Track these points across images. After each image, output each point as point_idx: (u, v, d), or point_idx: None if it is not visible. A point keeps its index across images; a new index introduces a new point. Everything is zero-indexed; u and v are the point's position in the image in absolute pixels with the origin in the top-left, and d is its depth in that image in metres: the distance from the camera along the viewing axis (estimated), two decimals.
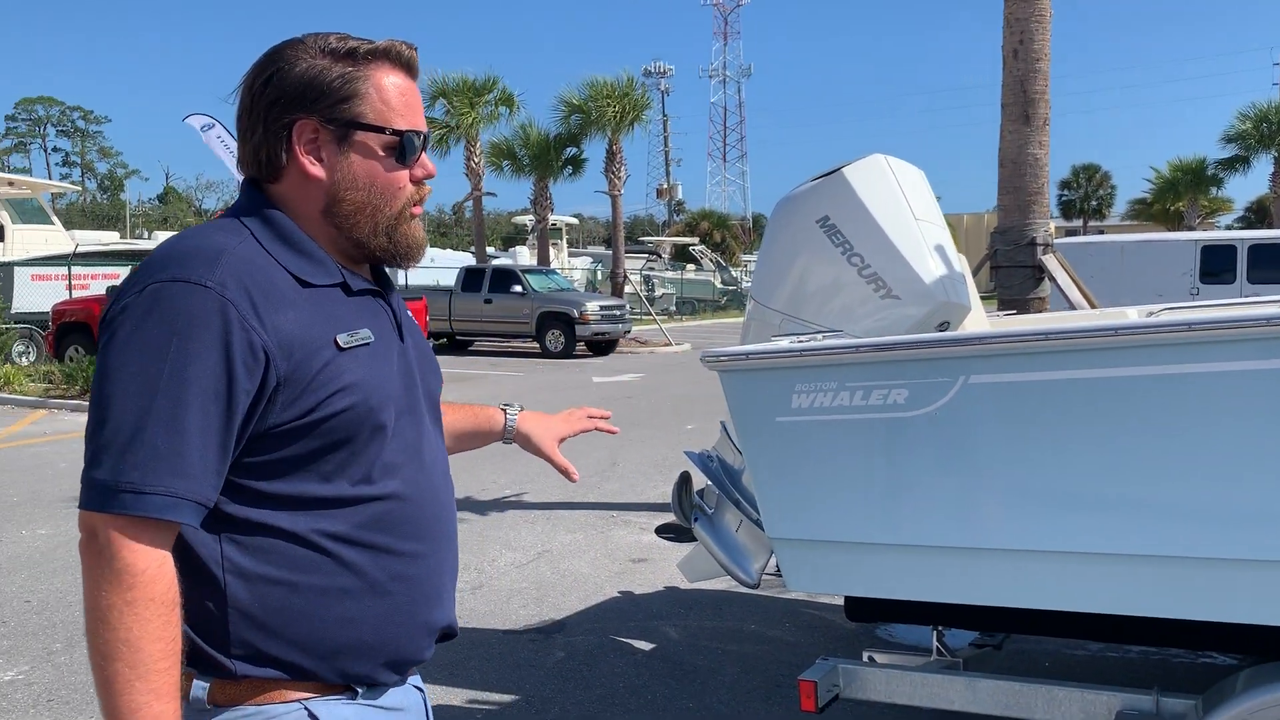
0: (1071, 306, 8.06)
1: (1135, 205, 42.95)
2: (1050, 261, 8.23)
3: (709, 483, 4.99)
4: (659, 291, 40.66)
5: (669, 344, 27.03)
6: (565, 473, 2.32)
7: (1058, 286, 8.20)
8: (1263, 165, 33.72)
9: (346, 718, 1.66)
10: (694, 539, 5.03)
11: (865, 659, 4.10)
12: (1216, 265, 15.22)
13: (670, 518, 5.80)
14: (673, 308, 40.83)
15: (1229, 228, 38.53)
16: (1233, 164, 34.71)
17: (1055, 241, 8.71)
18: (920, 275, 4.41)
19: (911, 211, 4.60)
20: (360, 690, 1.68)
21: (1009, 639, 4.64)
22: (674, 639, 5.86)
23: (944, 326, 4.57)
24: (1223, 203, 41.19)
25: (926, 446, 3.42)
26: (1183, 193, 36.05)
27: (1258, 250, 15.07)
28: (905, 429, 3.43)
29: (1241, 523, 3.02)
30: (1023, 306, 8.28)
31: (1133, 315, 5.50)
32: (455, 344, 25.95)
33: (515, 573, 7.18)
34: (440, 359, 2.14)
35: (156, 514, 1.47)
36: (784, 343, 3.91)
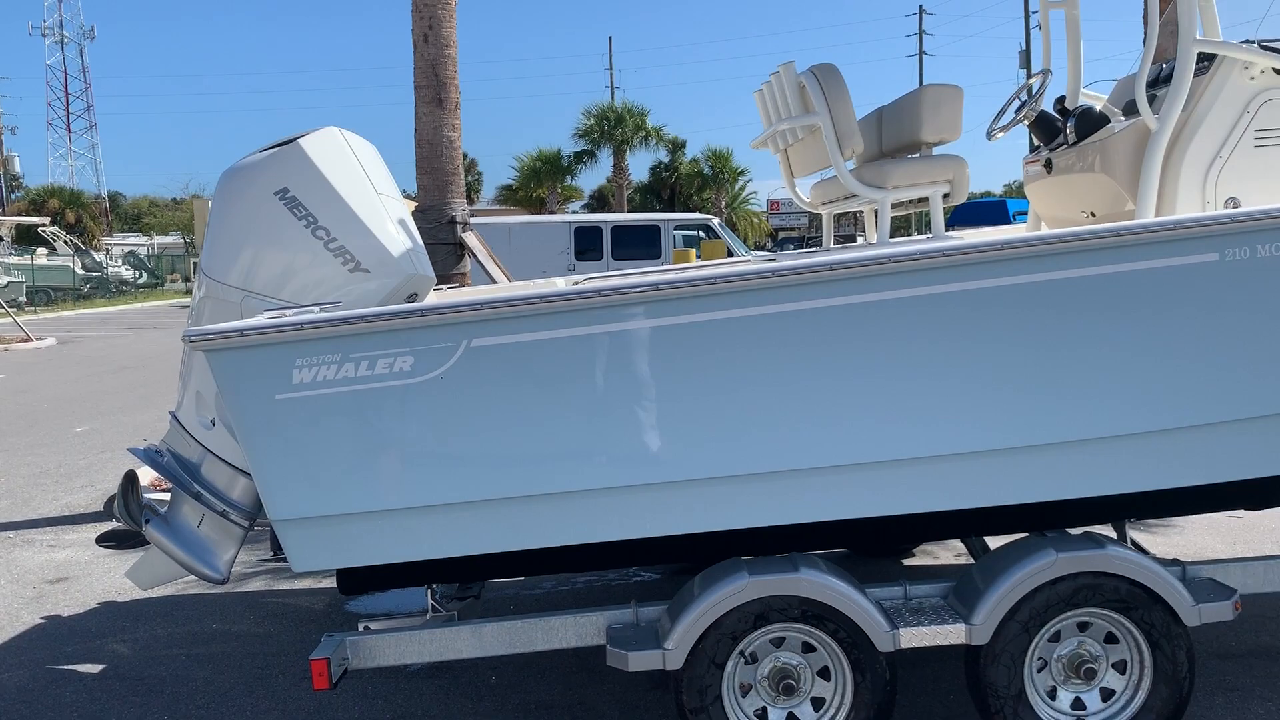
0: (492, 280, 8.69)
1: (503, 191, 46.60)
2: (470, 239, 8.76)
3: (159, 478, 4.61)
4: (5, 280, 35.11)
5: (29, 339, 23.55)
6: None
7: (478, 262, 8.77)
8: (606, 157, 38.91)
9: None
10: (145, 543, 4.61)
11: (362, 629, 4.12)
12: (587, 244, 17.33)
13: (109, 525, 5.22)
14: (24, 298, 35.54)
15: (575, 213, 43.52)
16: (582, 157, 39.47)
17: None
18: (389, 249, 4.50)
19: (373, 185, 4.67)
20: None
21: (484, 589, 4.97)
22: (126, 655, 5.29)
23: (413, 298, 4.72)
24: (574, 190, 46.46)
25: (432, 411, 3.56)
26: (544, 180, 40.06)
27: (618, 231, 17.47)
28: (411, 395, 3.53)
29: (671, 454, 3.61)
30: (446, 282, 8.72)
31: (561, 285, 6.12)
32: None
33: None
34: None
35: None
36: (262, 319, 3.77)
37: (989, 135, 5.10)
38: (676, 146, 42.47)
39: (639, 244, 17.10)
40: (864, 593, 3.73)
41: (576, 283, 6.08)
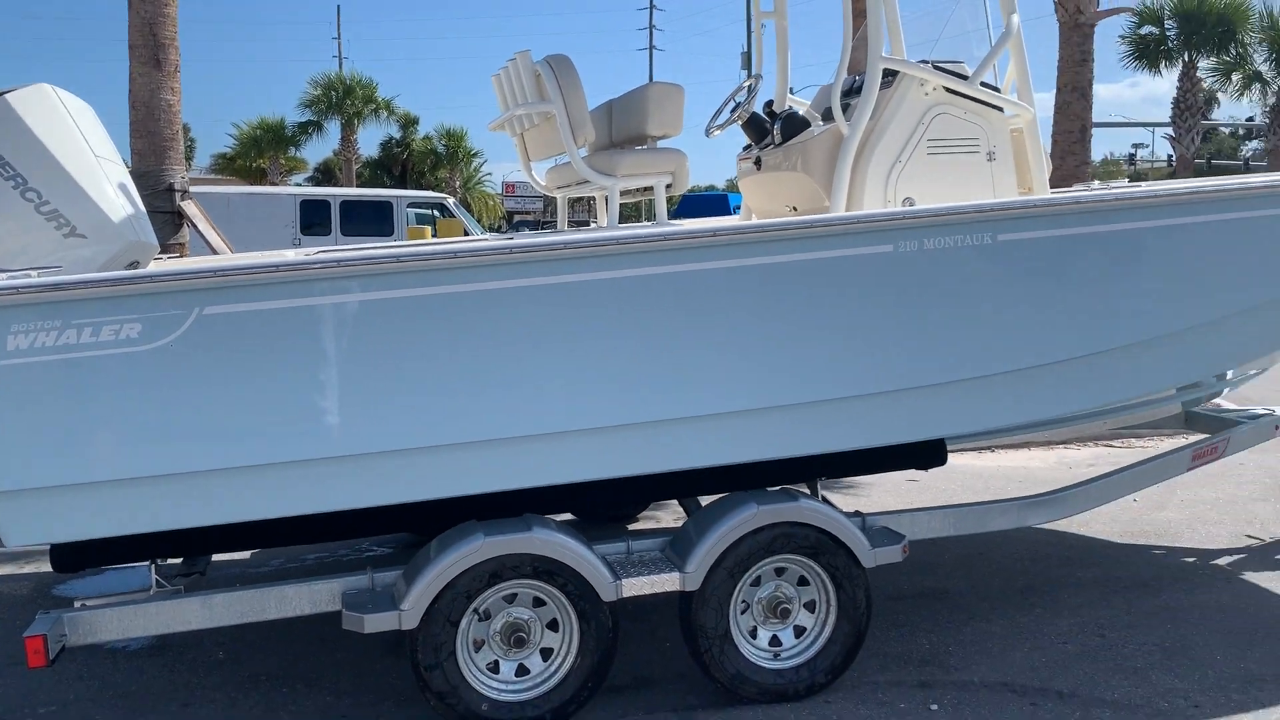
0: (214, 251, 8.36)
1: (219, 159, 43.90)
2: (189, 208, 8.38)
3: None
4: None
5: None
6: None
7: (198, 232, 8.41)
8: (334, 130, 37.58)
9: None
10: None
11: (79, 606, 3.98)
12: (314, 219, 16.77)
13: None
14: None
15: (300, 185, 41.76)
16: (308, 128, 37.90)
17: None
18: (108, 214, 4.35)
19: (90, 147, 4.48)
20: None
21: (210, 566, 4.87)
22: None
23: (134, 266, 4.56)
24: (299, 162, 44.49)
25: (159, 379, 3.51)
26: (265, 150, 38.12)
27: (348, 206, 17.01)
28: (137, 363, 3.47)
29: (402, 423, 3.75)
30: (165, 252, 8.29)
31: (291, 256, 6.05)
32: None
33: None
34: None
35: None
36: None
37: (707, 132, 5.55)
38: (409, 122, 41.59)
39: (370, 220, 16.75)
40: (591, 548, 4.03)
41: (310, 254, 6.03)
